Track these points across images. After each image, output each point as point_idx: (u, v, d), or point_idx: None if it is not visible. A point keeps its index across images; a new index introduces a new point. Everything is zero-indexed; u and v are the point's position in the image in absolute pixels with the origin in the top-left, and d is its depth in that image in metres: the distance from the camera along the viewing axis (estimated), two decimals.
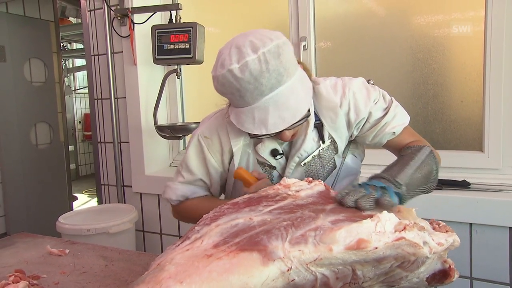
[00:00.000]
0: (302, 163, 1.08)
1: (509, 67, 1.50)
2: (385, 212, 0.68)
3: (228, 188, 1.20)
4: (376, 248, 0.64)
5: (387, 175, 0.86)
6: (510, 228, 1.40)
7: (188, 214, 1.19)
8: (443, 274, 0.74)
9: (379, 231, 0.65)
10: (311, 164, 1.09)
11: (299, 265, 0.64)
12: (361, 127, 1.08)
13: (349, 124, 1.08)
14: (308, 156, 1.08)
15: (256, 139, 1.07)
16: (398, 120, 1.07)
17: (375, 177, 0.86)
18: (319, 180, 0.90)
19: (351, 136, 1.11)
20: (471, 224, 1.45)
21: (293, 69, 0.94)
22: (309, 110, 0.98)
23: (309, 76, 1.04)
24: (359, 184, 0.83)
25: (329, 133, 1.08)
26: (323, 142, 1.08)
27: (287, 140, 1.02)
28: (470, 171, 1.59)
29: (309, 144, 1.07)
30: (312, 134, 1.07)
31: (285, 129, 0.96)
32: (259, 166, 1.11)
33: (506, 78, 1.50)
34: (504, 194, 1.42)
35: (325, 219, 0.71)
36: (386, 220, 0.66)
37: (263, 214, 0.76)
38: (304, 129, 1.06)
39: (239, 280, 0.61)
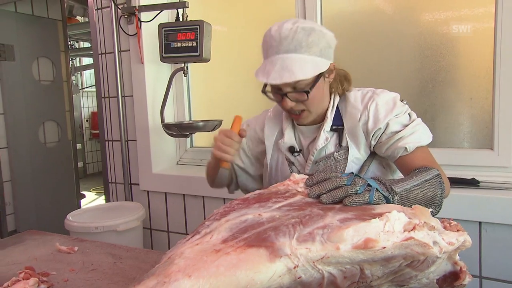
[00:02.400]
0: (316, 162, 1.13)
1: None
2: (394, 211, 0.67)
3: (264, 180, 1.28)
4: (384, 247, 0.63)
5: (386, 181, 0.85)
6: None
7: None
8: (454, 276, 0.72)
9: (388, 231, 0.65)
10: (326, 164, 1.12)
11: (306, 263, 0.64)
12: (378, 137, 1.09)
13: (367, 133, 1.10)
14: (324, 155, 1.12)
15: (280, 134, 1.21)
16: (415, 138, 1.06)
17: (375, 178, 0.86)
18: None
19: (370, 146, 1.11)
20: (480, 222, 1.44)
21: (316, 52, 1.03)
22: (308, 92, 1.05)
23: (346, 84, 1.15)
24: (353, 173, 0.84)
25: (347, 138, 1.11)
26: (340, 145, 1.12)
27: (287, 108, 1.09)
28: (479, 169, 1.57)
29: (322, 142, 1.12)
30: (329, 135, 1.13)
31: (285, 94, 1.06)
32: (286, 163, 1.20)
33: None
34: None
35: (333, 217, 0.70)
36: (396, 220, 0.66)
37: (272, 210, 0.76)
38: (319, 128, 1.14)
39: (246, 275, 0.61)
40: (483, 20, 1.58)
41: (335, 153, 1.11)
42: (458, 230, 0.70)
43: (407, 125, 1.07)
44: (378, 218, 0.66)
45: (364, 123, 1.09)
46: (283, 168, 1.20)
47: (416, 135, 1.06)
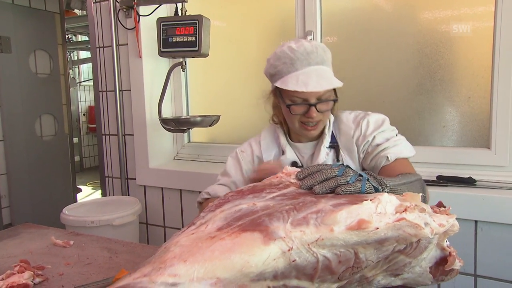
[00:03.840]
0: None
1: None
2: (385, 194, 0.68)
3: None
4: (377, 228, 0.64)
5: (376, 175, 0.87)
6: None
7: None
8: (444, 263, 0.75)
9: (380, 212, 0.66)
10: None
11: (300, 246, 0.64)
12: (365, 150, 1.19)
13: (358, 148, 1.20)
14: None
15: (279, 152, 1.27)
16: (397, 149, 1.14)
17: (364, 171, 0.92)
18: None
19: (359, 159, 1.21)
20: (476, 221, 1.45)
21: (330, 67, 1.18)
22: (336, 100, 1.18)
23: (335, 106, 1.23)
24: (343, 164, 0.90)
25: (342, 154, 1.21)
26: (338, 160, 1.20)
27: (311, 119, 1.14)
28: (476, 168, 1.58)
29: (323, 157, 1.20)
30: (328, 151, 1.21)
31: (314, 105, 1.12)
32: None
33: None
34: (510, 192, 1.41)
35: (326, 203, 0.71)
36: (387, 202, 0.67)
37: (266, 200, 0.77)
38: (319, 145, 1.22)
39: (240, 258, 0.62)
40: (483, 19, 1.58)
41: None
42: (447, 214, 0.72)
43: (389, 138, 1.17)
44: (370, 200, 0.67)
45: (356, 138, 1.19)
46: None
47: (398, 147, 1.15)
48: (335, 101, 1.16)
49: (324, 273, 0.67)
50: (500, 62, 1.49)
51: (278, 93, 1.19)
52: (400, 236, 0.65)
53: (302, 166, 1.23)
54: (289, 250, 0.64)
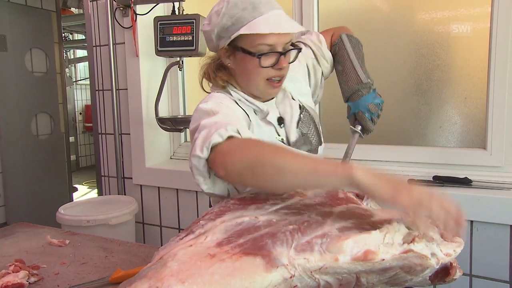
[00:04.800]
0: (296, 126, 1.13)
1: None
2: (395, 223, 0.68)
3: None
4: (383, 260, 0.64)
5: (369, 81, 1.18)
6: (511, 226, 1.40)
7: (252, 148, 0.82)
8: (445, 272, 0.74)
9: (387, 243, 0.65)
10: (301, 127, 1.13)
11: (302, 273, 0.64)
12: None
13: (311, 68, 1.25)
14: (297, 117, 1.13)
15: (261, 113, 1.08)
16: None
17: (364, 89, 1.18)
18: None
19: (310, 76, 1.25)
20: (472, 221, 1.45)
21: None
22: (301, 49, 1.09)
23: None
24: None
25: (293, 96, 1.15)
26: (300, 108, 1.15)
27: (283, 68, 1.02)
28: (472, 168, 1.58)
29: (297, 110, 1.13)
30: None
31: (284, 53, 1.01)
32: (278, 140, 1.11)
33: (511, 76, 1.49)
34: (505, 192, 1.42)
35: (332, 225, 0.70)
36: (396, 231, 0.67)
37: (269, 213, 0.75)
38: (285, 97, 1.14)
39: (240, 285, 0.60)
40: (479, 20, 1.59)
41: (301, 115, 1.15)
42: (453, 236, 0.71)
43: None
44: (379, 230, 0.66)
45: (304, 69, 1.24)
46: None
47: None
48: (300, 50, 1.07)
49: None
50: (496, 63, 1.50)
51: (234, 48, 1.02)
52: (405, 265, 0.65)
53: (284, 121, 1.10)
54: (291, 277, 0.63)
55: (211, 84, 1.13)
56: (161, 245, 1.99)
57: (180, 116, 2.15)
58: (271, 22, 0.96)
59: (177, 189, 2.08)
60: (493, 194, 1.41)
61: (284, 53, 1.01)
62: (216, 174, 0.85)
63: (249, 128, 1.05)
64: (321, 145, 1.19)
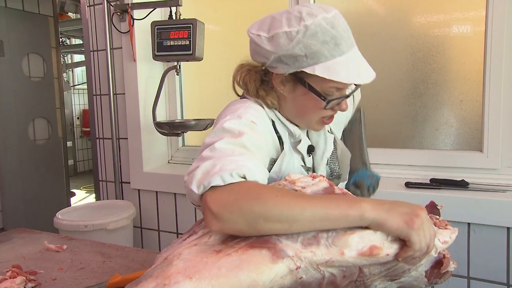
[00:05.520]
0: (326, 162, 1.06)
1: (509, 68, 1.50)
2: None
3: None
4: (388, 254, 0.66)
5: (367, 163, 1.21)
6: (508, 228, 1.40)
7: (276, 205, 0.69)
8: (439, 265, 0.76)
9: (391, 240, 0.68)
10: (330, 162, 1.07)
11: (308, 265, 0.65)
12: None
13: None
14: (329, 153, 1.07)
15: (294, 139, 0.99)
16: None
17: (361, 168, 1.19)
18: (322, 175, 0.88)
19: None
20: (469, 223, 1.46)
21: None
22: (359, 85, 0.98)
23: None
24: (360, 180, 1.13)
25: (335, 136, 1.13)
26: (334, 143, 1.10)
27: (344, 110, 0.96)
28: (469, 171, 1.59)
29: (331, 146, 1.06)
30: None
31: (348, 96, 0.95)
32: (303, 169, 1.02)
33: (506, 78, 1.50)
34: (502, 194, 1.42)
35: None
36: None
37: None
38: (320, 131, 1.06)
39: (248, 276, 0.61)
40: (475, 24, 1.60)
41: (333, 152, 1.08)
42: (446, 225, 0.75)
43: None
44: None
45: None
46: (296, 171, 1.01)
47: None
48: (359, 86, 0.98)
49: (328, 287, 0.68)
50: (491, 66, 1.51)
51: (296, 79, 0.91)
52: None
53: (314, 150, 1.04)
54: (296, 269, 0.64)
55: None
56: (159, 250, 1.98)
57: (177, 121, 2.16)
58: (352, 68, 0.87)
59: (175, 194, 2.08)
60: (490, 196, 1.42)
61: (348, 96, 0.94)
62: (205, 224, 0.71)
63: (278, 156, 0.95)
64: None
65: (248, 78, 0.97)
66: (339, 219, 0.68)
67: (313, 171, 1.04)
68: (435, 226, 0.75)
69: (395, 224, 0.68)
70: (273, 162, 0.95)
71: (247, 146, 0.81)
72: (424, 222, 0.69)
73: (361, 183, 1.19)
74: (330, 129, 1.11)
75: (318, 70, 0.85)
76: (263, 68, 0.96)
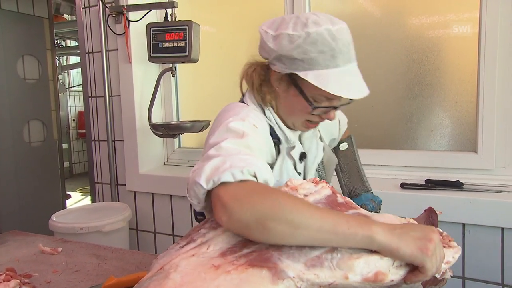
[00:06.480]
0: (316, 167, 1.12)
1: (503, 69, 1.51)
2: None
3: None
4: (393, 280, 0.66)
5: (368, 186, 1.27)
6: (502, 228, 1.41)
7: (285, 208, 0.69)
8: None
9: (397, 266, 0.68)
10: (320, 169, 1.13)
11: (310, 286, 0.64)
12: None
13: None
14: (320, 159, 1.13)
15: (288, 144, 1.02)
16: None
17: (363, 192, 1.26)
18: (325, 180, 0.88)
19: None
20: (464, 224, 1.46)
21: None
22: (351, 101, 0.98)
23: None
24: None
25: (325, 144, 1.17)
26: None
27: (331, 119, 0.99)
28: (463, 171, 1.60)
29: (321, 152, 1.12)
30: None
31: (337, 107, 0.97)
32: (296, 174, 1.06)
33: (500, 80, 1.51)
34: (496, 195, 1.43)
35: None
36: None
37: None
38: (314, 135, 1.11)
39: None
40: (469, 25, 1.61)
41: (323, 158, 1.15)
42: (450, 241, 0.74)
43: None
44: None
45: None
46: (290, 176, 1.04)
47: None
48: (351, 102, 0.97)
49: None
50: (485, 67, 1.52)
51: (290, 80, 0.95)
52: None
53: (306, 157, 1.07)
54: None
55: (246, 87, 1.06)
56: (155, 252, 1.97)
57: (173, 122, 2.15)
58: (343, 83, 0.88)
59: (171, 195, 2.07)
60: (485, 197, 1.42)
61: (337, 107, 0.96)
62: (215, 216, 0.72)
63: (274, 160, 0.99)
64: None
65: (254, 74, 1.01)
66: (347, 236, 0.66)
67: (304, 176, 1.08)
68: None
69: (408, 251, 0.66)
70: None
71: (252, 147, 0.82)
72: (437, 247, 0.68)
73: (364, 207, 1.19)
74: (321, 137, 1.15)
75: (310, 76, 0.89)
76: (267, 64, 1.00)
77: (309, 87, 0.91)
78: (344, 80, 0.89)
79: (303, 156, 1.06)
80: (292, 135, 1.03)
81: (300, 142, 1.08)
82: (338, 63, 0.89)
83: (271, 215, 0.66)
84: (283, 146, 1.01)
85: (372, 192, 1.27)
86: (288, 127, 1.03)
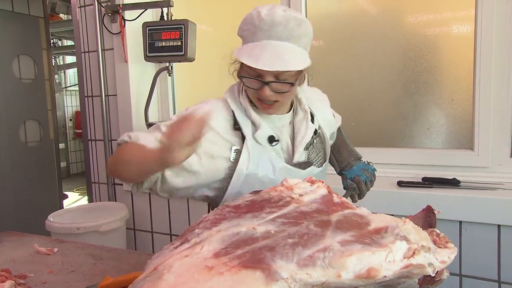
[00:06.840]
0: (304, 148, 1.12)
1: (499, 66, 1.51)
2: (397, 242, 0.70)
3: (232, 189, 1.05)
4: (385, 276, 0.66)
5: (358, 155, 1.29)
6: (499, 225, 1.41)
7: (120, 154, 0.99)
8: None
9: (389, 261, 0.67)
10: (311, 151, 1.14)
11: (303, 287, 0.64)
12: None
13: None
14: (308, 142, 1.12)
15: (253, 127, 1.06)
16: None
17: (355, 162, 1.26)
18: (321, 180, 0.89)
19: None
20: (460, 221, 1.46)
21: (303, 44, 1.03)
22: (294, 83, 1.02)
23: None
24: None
25: (322, 127, 1.17)
26: (315, 133, 1.14)
27: (265, 98, 1.00)
28: (460, 169, 1.60)
29: (309, 137, 1.12)
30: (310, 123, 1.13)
31: (267, 83, 0.98)
32: (265, 155, 1.07)
33: (496, 77, 1.51)
34: (493, 192, 1.44)
35: (333, 237, 0.70)
36: (397, 250, 0.69)
37: (266, 222, 0.75)
38: (299, 120, 1.12)
39: None
40: (465, 23, 1.61)
41: (314, 140, 1.14)
42: (446, 242, 0.74)
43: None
44: (382, 249, 0.68)
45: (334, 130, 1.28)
46: (262, 161, 1.06)
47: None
48: (292, 84, 1.00)
49: None
50: (481, 65, 1.52)
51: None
52: (403, 275, 0.68)
53: (278, 140, 1.08)
54: None
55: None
56: (153, 251, 1.97)
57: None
58: (253, 54, 0.96)
59: None
60: (481, 194, 1.43)
61: (267, 83, 0.98)
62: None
63: (240, 146, 1.04)
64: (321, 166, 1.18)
65: (232, 64, 1.13)
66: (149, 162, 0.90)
67: (293, 152, 1.09)
68: (434, 244, 0.74)
69: None
70: (238, 151, 1.04)
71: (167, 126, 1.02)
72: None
73: (357, 179, 1.21)
74: (312, 120, 1.15)
75: (236, 50, 1.02)
76: None
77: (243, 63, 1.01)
78: (255, 51, 0.97)
79: (272, 139, 1.07)
80: (257, 118, 1.06)
81: (293, 125, 1.12)
82: (257, 38, 0.99)
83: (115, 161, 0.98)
84: (248, 133, 1.05)
85: (364, 162, 1.28)
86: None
